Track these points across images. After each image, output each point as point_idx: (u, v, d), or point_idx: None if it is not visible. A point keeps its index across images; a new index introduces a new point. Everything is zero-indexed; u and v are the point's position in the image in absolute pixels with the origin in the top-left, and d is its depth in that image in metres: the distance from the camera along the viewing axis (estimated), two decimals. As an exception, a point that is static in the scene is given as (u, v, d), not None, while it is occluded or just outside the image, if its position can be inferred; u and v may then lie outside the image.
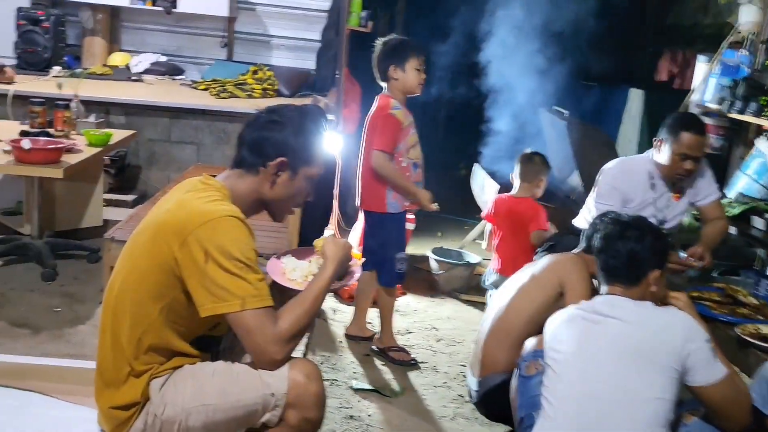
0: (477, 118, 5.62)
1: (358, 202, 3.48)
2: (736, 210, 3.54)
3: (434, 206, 3.30)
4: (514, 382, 2.38)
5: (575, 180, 4.77)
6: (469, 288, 4.47)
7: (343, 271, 1.86)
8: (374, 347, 3.42)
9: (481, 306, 4.19)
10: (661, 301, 2.19)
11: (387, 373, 3.24)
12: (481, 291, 4.47)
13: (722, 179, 4.27)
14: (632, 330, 1.99)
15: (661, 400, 1.92)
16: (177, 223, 1.67)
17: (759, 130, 4.09)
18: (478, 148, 5.40)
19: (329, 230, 4.74)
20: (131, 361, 1.70)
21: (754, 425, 2.02)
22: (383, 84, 3.35)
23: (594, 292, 2.51)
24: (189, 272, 1.64)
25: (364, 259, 3.48)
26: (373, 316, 3.75)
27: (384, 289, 3.41)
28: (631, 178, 3.09)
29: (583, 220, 3.32)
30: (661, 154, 3.01)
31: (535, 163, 3.83)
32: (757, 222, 3.47)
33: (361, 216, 4.69)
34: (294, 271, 1.89)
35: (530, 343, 2.42)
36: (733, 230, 3.34)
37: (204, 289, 1.63)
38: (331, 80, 5.63)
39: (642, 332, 1.98)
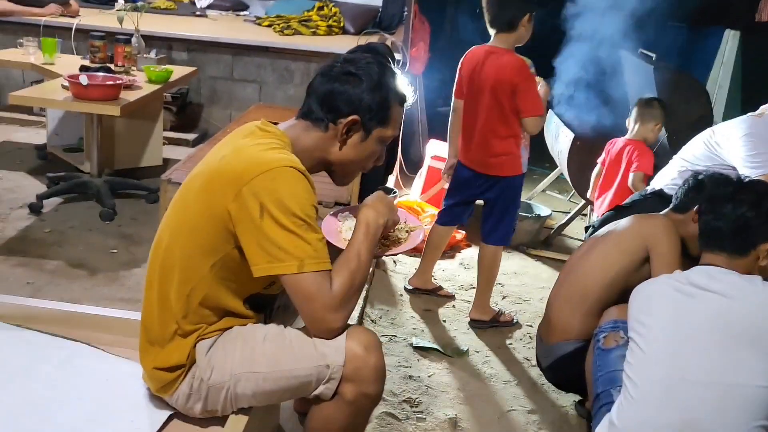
0: (552, 59, 5.26)
1: (480, 168, 3.10)
2: None
3: None
4: (590, 354, 2.18)
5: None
6: (538, 242, 4.24)
7: (385, 222, 1.65)
8: (475, 320, 3.17)
9: (549, 262, 3.97)
10: None
11: (449, 331, 3.09)
12: (550, 246, 4.25)
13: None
14: (736, 307, 1.75)
15: (765, 389, 1.69)
16: (231, 171, 1.51)
17: None
18: (552, 92, 5.05)
19: (391, 176, 4.56)
20: (179, 320, 1.58)
21: None
22: (496, 33, 2.96)
23: (683, 260, 2.27)
24: (243, 227, 1.49)
25: (438, 211, 3.36)
26: (437, 270, 3.59)
27: (486, 248, 3.15)
28: None
29: (668, 180, 3.01)
30: None
31: (653, 107, 3.69)
32: None
33: (426, 166, 4.52)
34: (349, 231, 1.71)
35: (611, 313, 2.21)
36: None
37: (259, 247, 1.47)
38: (399, 17, 5.35)
39: (747, 310, 1.74)
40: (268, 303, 1.79)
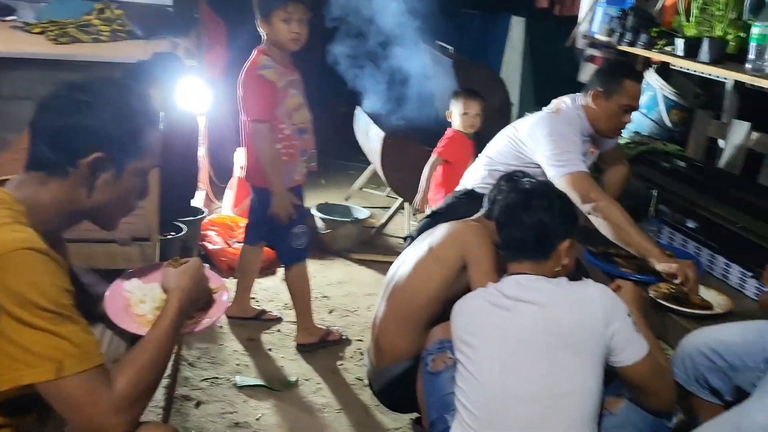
0: (355, 52, 5.19)
1: (242, 173, 3.00)
2: (633, 152, 3.38)
3: (283, 218, 2.82)
4: (420, 379, 2.10)
5: (463, 120, 4.49)
6: (360, 245, 4.15)
7: (196, 301, 1.43)
8: (302, 344, 2.99)
9: (374, 265, 3.90)
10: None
11: (276, 361, 2.90)
12: (374, 247, 4.19)
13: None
14: (549, 314, 1.73)
15: (589, 391, 1.70)
16: None
17: (647, 63, 3.94)
18: (358, 88, 4.99)
19: (200, 191, 4.24)
20: None
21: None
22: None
23: (500, 262, 2.26)
24: None
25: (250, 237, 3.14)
26: (257, 290, 3.38)
27: (288, 269, 3.00)
28: (579, 134, 2.72)
29: (485, 185, 2.99)
30: (599, 108, 2.68)
31: (472, 98, 3.71)
32: (654, 164, 3.33)
33: (236, 175, 4.26)
34: (142, 304, 1.45)
35: (436, 333, 2.13)
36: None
37: (1, 354, 1.18)
38: (194, 19, 4.98)
39: (560, 316, 1.72)
40: (32, 404, 1.45)
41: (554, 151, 2.60)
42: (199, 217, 3.57)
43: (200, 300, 1.44)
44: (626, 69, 2.75)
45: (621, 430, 1.84)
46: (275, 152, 2.78)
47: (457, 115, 3.69)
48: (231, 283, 3.30)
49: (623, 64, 2.83)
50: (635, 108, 2.69)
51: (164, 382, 2.32)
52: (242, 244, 3.22)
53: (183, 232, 3.22)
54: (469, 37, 6.09)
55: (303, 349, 2.97)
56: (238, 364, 2.82)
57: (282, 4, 2.70)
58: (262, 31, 2.80)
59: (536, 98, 5.35)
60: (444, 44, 4.58)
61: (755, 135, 3.15)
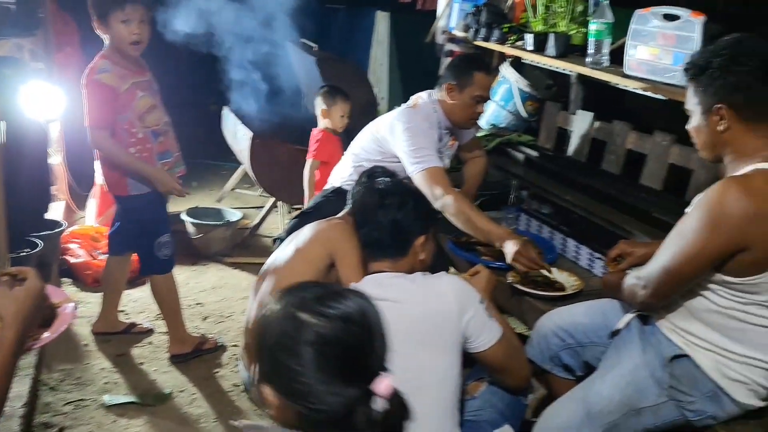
0: (219, 51, 5.08)
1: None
2: (491, 144, 3.55)
3: (177, 189, 2.78)
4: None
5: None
6: (234, 248, 4.10)
7: (33, 324, 1.35)
8: (176, 355, 2.91)
9: (249, 268, 3.85)
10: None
11: (149, 375, 2.81)
12: (248, 248, 4.14)
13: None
14: (407, 310, 1.77)
15: (449, 381, 1.78)
16: None
17: (502, 57, 4.14)
18: (226, 85, 4.89)
19: (59, 202, 4.02)
20: None
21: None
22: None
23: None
24: None
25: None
26: (126, 302, 3.26)
27: (153, 280, 2.90)
28: (434, 127, 2.82)
29: (348, 179, 3.05)
30: (454, 101, 2.79)
31: (336, 96, 3.68)
32: (512, 154, 3.51)
33: (98, 183, 4.06)
34: None
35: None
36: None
37: None
38: (37, 18, 4.68)
39: (416, 311, 1.78)
40: None
41: (411, 147, 2.68)
42: (56, 230, 3.38)
43: (38, 321, 1.36)
44: (475, 62, 2.87)
45: (482, 412, 1.94)
46: (127, 152, 2.68)
47: (323, 114, 3.71)
48: (97, 297, 3.17)
49: (472, 58, 2.95)
50: (486, 98, 2.83)
51: (21, 411, 2.20)
52: (107, 255, 3.09)
53: (38, 248, 3.04)
54: (335, 33, 6.12)
55: (177, 360, 2.90)
56: (106, 383, 2.72)
57: (119, 5, 2.60)
58: (101, 34, 2.68)
59: (405, 93, 5.47)
60: (308, 41, 4.57)
61: (597, 124, 3.39)
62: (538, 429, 1.93)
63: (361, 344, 1.18)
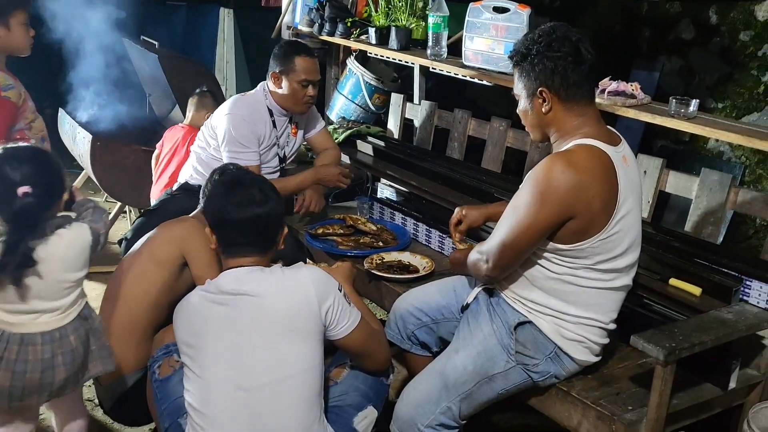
0: (54, 52, 4.76)
1: None
2: (341, 137, 3.60)
3: None
4: (149, 388, 2.04)
5: (178, 116, 4.38)
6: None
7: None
8: None
9: (97, 276, 3.64)
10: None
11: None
12: (96, 257, 3.91)
13: (321, 100, 4.34)
14: (267, 303, 1.78)
15: (312, 370, 1.80)
16: None
17: (348, 51, 4.20)
18: (61, 87, 4.59)
19: None
20: None
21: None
22: None
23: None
24: None
25: None
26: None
27: None
28: (259, 118, 2.88)
29: (195, 172, 3.01)
30: (282, 88, 2.86)
31: (206, 97, 3.71)
32: (362, 146, 3.58)
33: None
34: None
35: (161, 339, 2.09)
36: (345, 157, 3.38)
37: None
38: None
39: (277, 303, 1.79)
40: None
41: (229, 139, 2.80)
42: None
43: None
44: (295, 47, 2.91)
45: (346, 396, 1.98)
46: None
47: (204, 113, 3.61)
48: None
49: (293, 44, 2.98)
50: (312, 81, 2.87)
51: None
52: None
53: None
54: (177, 31, 5.93)
55: None
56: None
57: (22, 5, 2.48)
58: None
59: (253, 83, 5.45)
60: (149, 39, 4.40)
61: (440, 113, 3.54)
62: (400, 404, 2.00)
63: None
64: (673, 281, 2.19)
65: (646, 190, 2.59)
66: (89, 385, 2.66)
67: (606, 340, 1.94)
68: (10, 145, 1.95)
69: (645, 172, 2.60)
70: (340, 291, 1.86)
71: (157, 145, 3.70)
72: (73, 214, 2.06)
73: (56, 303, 1.93)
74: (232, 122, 2.80)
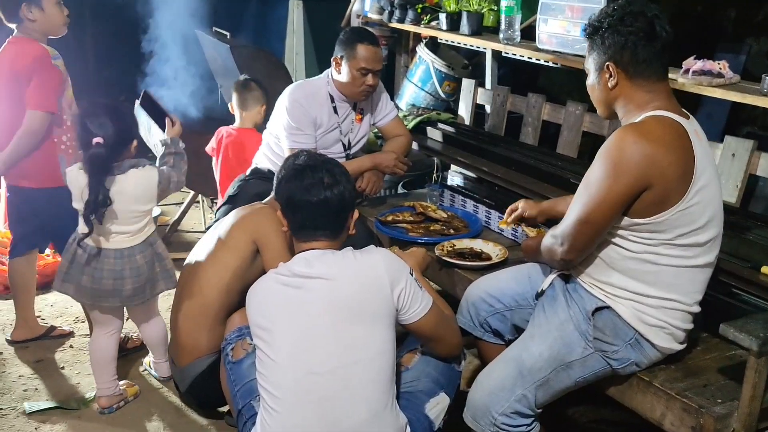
0: (130, 44, 4.91)
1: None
2: (411, 123, 3.56)
3: None
4: (223, 370, 2.07)
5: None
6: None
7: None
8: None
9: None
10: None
11: (70, 378, 2.69)
12: (170, 245, 4.01)
13: (390, 88, 4.32)
14: (337, 286, 1.76)
15: (384, 354, 1.77)
16: None
17: (418, 38, 4.16)
18: (137, 78, 4.73)
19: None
20: None
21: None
22: (10, 25, 2.66)
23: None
24: None
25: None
26: (42, 306, 3.11)
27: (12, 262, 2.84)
28: (316, 102, 2.90)
29: (264, 158, 3.04)
30: (341, 73, 2.86)
31: (251, 89, 3.51)
32: (432, 133, 3.54)
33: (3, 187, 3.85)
34: None
35: (234, 321, 2.12)
36: (414, 145, 3.35)
37: None
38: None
39: (349, 286, 1.76)
40: None
41: (288, 122, 2.84)
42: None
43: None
44: (360, 35, 2.88)
45: (417, 382, 1.95)
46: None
47: (258, 109, 3.55)
48: (9, 304, 3.01)
49: (357, 30, 2.96)
50: (372, 70, 2.84)
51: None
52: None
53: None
54: (248, 23, 6.01)
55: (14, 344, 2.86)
56: (26, 390, 2.58)
57: None
58: (28, 17, 2.61)
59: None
60: (221, 30, 4.47)
61: (512, 98, 3.46)
62: (474, 391, 1.95)
63: None
64: (765, 269, 2.05)
65: (734, 174, 2.45)
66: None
67: (690, 326, 1.84)
68: (91, 101, 2.38)
69: (733, 155, 2.46)
70: (412, 275, 1.83)
71: (208, 149, 3.65)
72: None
73: (127, 227, 2.36)
74: (288, 105, 2.85)
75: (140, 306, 2.50)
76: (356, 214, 1.93)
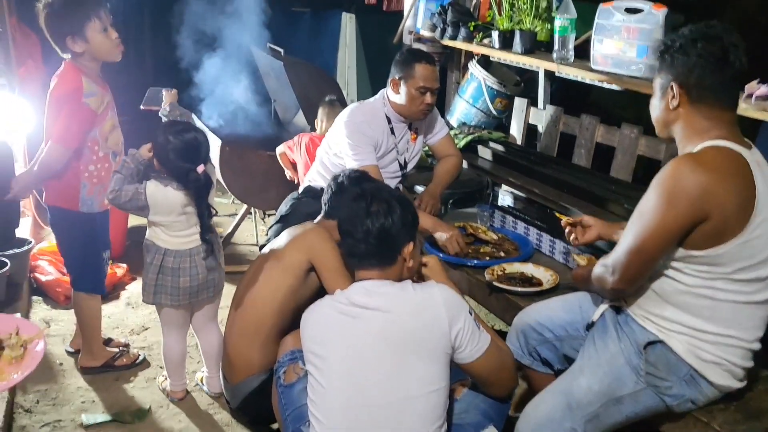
0: (184, 63, 5.03)
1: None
2: (462, 142, 3.56)
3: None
4: (274, 392, 2.10)
5: (301, 122, 4.50)
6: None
7: None
8: (86, 367, 2.86)
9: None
10: (418, 272, 2.03)
11: (127, 390, 2.76)
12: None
13: (441, 105, 4.32)
14: (396, 320, 1.75)
15: (438, 390, 1.76)
16: None
17: (470, 55, 4.15)
18: (190, 92, 4.84)
19: (26, 217, 3.94)
20: None
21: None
22: (65, 56, 2.59)
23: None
24: None
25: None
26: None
27: (79, 296, 2.81)
28: (375, 123, 2.93)
29: (318, 176, 3.08)
30: (399, 94, 2.89)
31: (335, 107, 3.67)
32: (483, 152, 3.52)
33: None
34: None
35: (287, 343, 2.14)
36: (464, 164, 3.34)
37: None
38: (-4, 32, 4.58)
39: (404, 320, 1.75)
40: None
41: (350, 142, 2.85)
42: (24, 248, 3.31)
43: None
44: (417, 55, 2.90)
45: (466, 414, 1.94)
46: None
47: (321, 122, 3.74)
48: (70, 314, 3.11)
49: (414, 51, 2.96)
50: (430, 89, 2.86)
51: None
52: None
53: (6, 268, 2.98)
54: (301, 37, 6.09)
55: (85, 372, 2.85)
56: (83, 402, 2.66)
57: (95, 13, 2.50)
58: (74, 50, 2.54)
59: (374, 95, 5.53)
60: (275, 46, 4.54)
61: (565, 118, 3.41)
62: (521, 424, 1.93)
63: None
64: (829, 306, 1.98)
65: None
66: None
67: (750, 363, 1.79)
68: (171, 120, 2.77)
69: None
70: (471, 314, 1.80)
71: (286, 145, 3.78)
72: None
73: (193, 229, 2.57)
74: (348, 129, 2.87)
75: (208, 306, 2.69)
76: (410, 247, 1.87)
